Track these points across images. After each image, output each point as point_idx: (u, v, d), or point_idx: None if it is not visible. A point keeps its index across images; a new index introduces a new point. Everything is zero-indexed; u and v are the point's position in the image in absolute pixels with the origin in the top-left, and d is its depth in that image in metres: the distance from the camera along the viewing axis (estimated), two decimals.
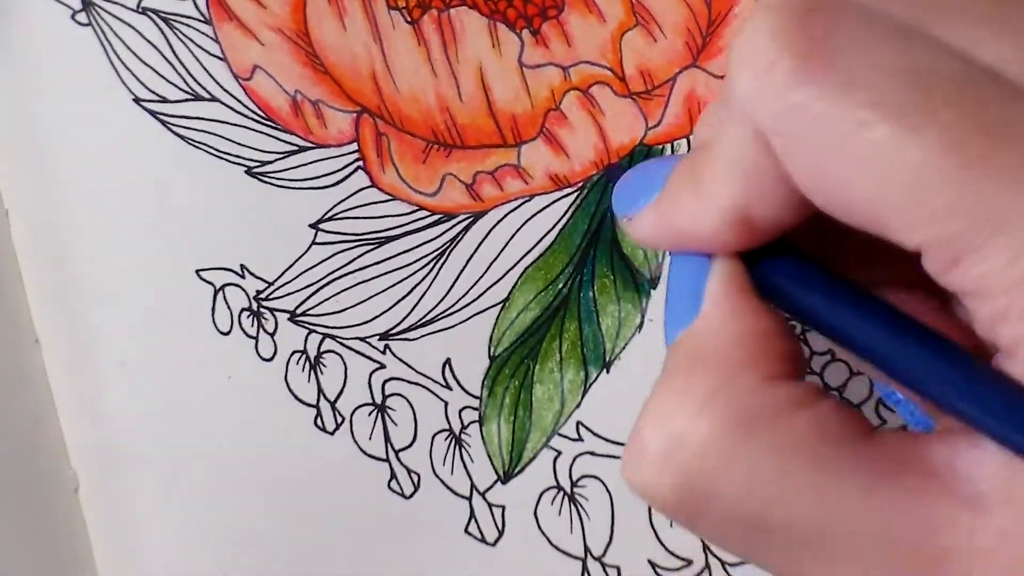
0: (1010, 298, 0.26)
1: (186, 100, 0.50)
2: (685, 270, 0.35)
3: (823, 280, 0.33)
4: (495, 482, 0.50)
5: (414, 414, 0.50)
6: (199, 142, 0.50)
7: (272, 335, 0.50)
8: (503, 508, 0.50)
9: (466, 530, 0.51)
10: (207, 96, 0.50)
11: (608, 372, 0.50)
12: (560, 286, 0.49)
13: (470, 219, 0.50)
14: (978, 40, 0.29)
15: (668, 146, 0.49)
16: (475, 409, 0.50)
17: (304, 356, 0.50)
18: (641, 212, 0.36)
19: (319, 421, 0.50)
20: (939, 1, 0.30)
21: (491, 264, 0.50)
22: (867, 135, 0.27)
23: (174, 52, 0.50)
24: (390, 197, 0.50)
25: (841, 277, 0.33)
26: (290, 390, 0.51)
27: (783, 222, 0.32)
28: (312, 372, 0.50)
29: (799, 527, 0.30)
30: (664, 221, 0.35)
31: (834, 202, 0.29)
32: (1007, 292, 0.26)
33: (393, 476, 0.50)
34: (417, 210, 0.50)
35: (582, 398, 0.50)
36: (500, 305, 0.50)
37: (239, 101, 0.50)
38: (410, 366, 0.50)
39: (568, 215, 0.49)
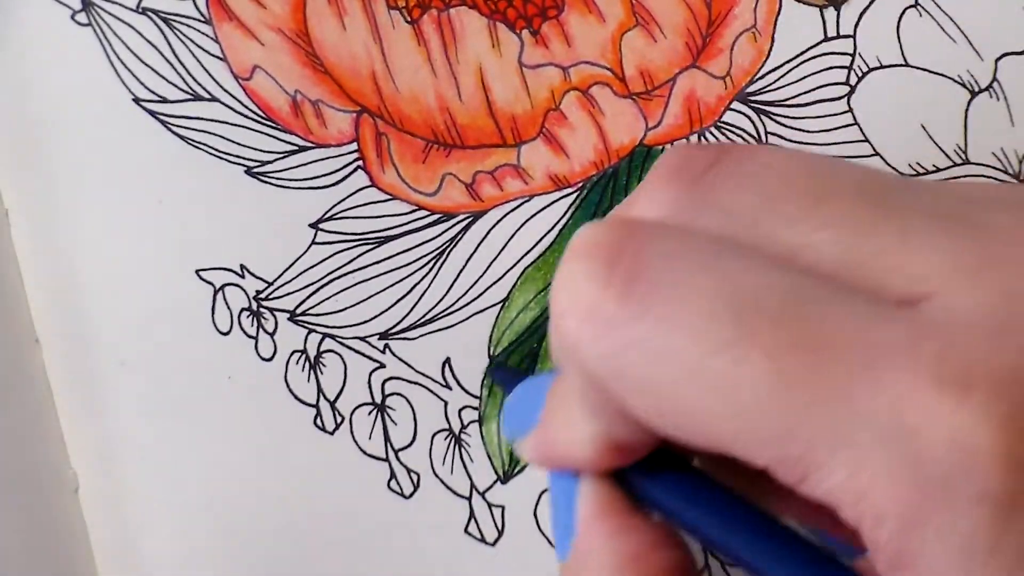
0: (858, 510, 0.26)
1: (186, 100, 0.50)
2: (561, 490, 0.35)
3: (694, 486, 0.33)
4: (495, 482, 0.51)
5: (414, 414, 0.51)
6: (199, 142, 0.50)
7: (272, 335, 0.51)
8: (503, 508, 0.51)
9: (466, 530, 0.51)
10: (207, 96, 0.50)
11: None
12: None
13: (470, 219, 0.50)
14: (794, 242, 0.29)
15: (668, 146, 0.49)
16: (475, 409, 0.50)
17: (304, 356, 0.51)
18: (525, 438, 0.36)
19: (319, 421, 0.51)
20: (750, 210, 0.30)
21: (491, 264, 0.50)
22: (695, 368, 0.27)
23: (174, 52, 0.50)
24: (390, 197, 0.50)
25: (721, 474, 0.33)
26: (290, 390, 0.51)
27: (651, 440, 0.32)
28: (312, 372, 0.51)
29: None
30: (544, 447, 0.35)
31: (676, 432, 0.29)
32: (855, 504, 0.26)
33: (393, 476, 0.51)
34: (417, 210, 0.50)
35: None
36: (500, 305, 0.50)
37: (239, 101, 0.50)
38: (410, 366, 0.50)
39: (568, 215, 0.50)
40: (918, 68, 0.48)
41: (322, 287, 0.51)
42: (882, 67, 0.48)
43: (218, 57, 0.50)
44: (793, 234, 0.29)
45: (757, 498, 0.32)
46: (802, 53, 0.49)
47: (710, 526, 0.32)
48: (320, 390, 0.51)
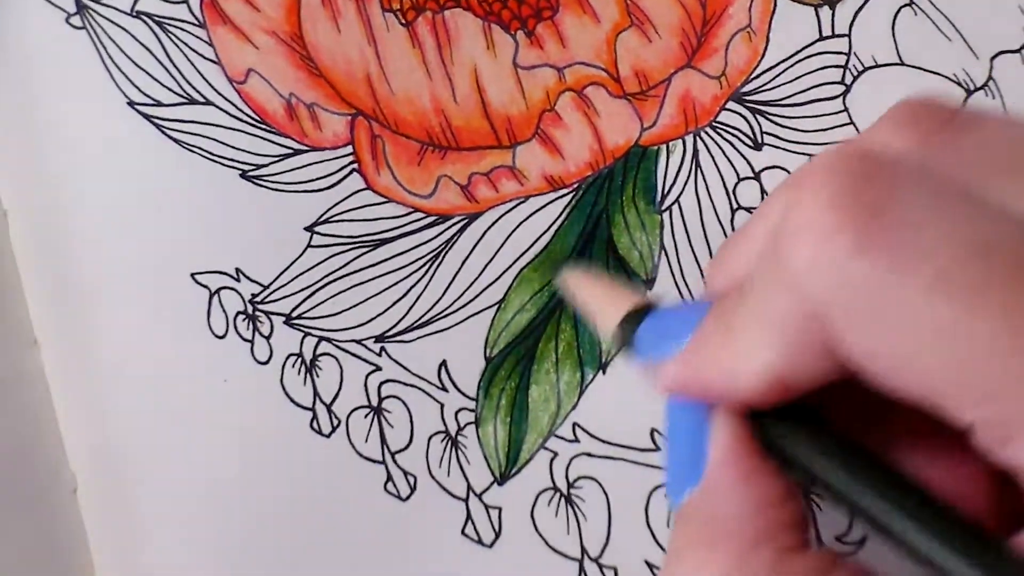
0: None
1: (181, 104, 0.50)
2: (684, 421, 0.34)
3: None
4: (491, 484, 0.51)
5: (410, 416, 0.51)
6: (194, 146, 0.50)
7: (268, 338, 0.51)
8: (499, 510, 0.51)
9: (463, 532, 0.51)
10: (202, 100, 0.50)
11: (604, 373, 0.50)
12: (556, 287, 0.50)
13: (465, 221, 0.50)
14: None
15: (663, 146, 0.49)
16: (471, 411, 0.51)
17: (300, 359, 0.51)
18: (667, 361, 0.35)
19: (315, 424, 0.51)
20: (998, 163, 0.30)
21: (487, 266, 0.50)
22: (928, 311, 0.27)
23: (168, 56, 0.50)
24: (385, 199, 0.50)
25: (844, 430, 0.33)
26: (286, 393, 0.51)
27: (818, 383, 0.31)
28: (308, 375, 0.51)
29: None
30: (693, 373, 0.34)
31: (887, 376, 0.29)
32: None
33: (389, 478, 0.51)
34: (412, 212, 0.50)
35: (578, 399, 0.50)
36: (496, 307, 0.50)
37: (234, 105, 0.50)
38: (406, 368, 0.51)
39: (563, 216, 0.50)
40: (913, 67, 0.48)
41: (318, 290, 0.51)
42: (877, 66, 0.49)
43: (212, 61, 0.50)
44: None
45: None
46: (797, 52, 0.49)
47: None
48: (316, 393, 0.51)
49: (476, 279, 0.50)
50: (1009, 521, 0.30)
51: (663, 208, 0.50)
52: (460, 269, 0.50)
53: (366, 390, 0.51)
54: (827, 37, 0.49)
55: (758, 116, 0.49)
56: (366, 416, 0.51)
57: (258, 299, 0.51)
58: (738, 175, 0.49)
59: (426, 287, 0.50)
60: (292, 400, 0.51)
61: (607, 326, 0.39)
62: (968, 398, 0.27)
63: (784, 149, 0.49)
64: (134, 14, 0.50)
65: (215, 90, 0.50)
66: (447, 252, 0.50)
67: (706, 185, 0.49)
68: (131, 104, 0.51)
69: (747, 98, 0.49)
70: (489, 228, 0.50)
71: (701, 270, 0.49)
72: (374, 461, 0.51)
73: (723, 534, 0.32)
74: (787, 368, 0.31)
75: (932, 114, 0.32)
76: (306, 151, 0.50)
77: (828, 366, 0.30)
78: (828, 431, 0.33)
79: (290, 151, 0.50)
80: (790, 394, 0.32)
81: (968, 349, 0.26)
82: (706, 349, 0.34)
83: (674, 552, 0.33)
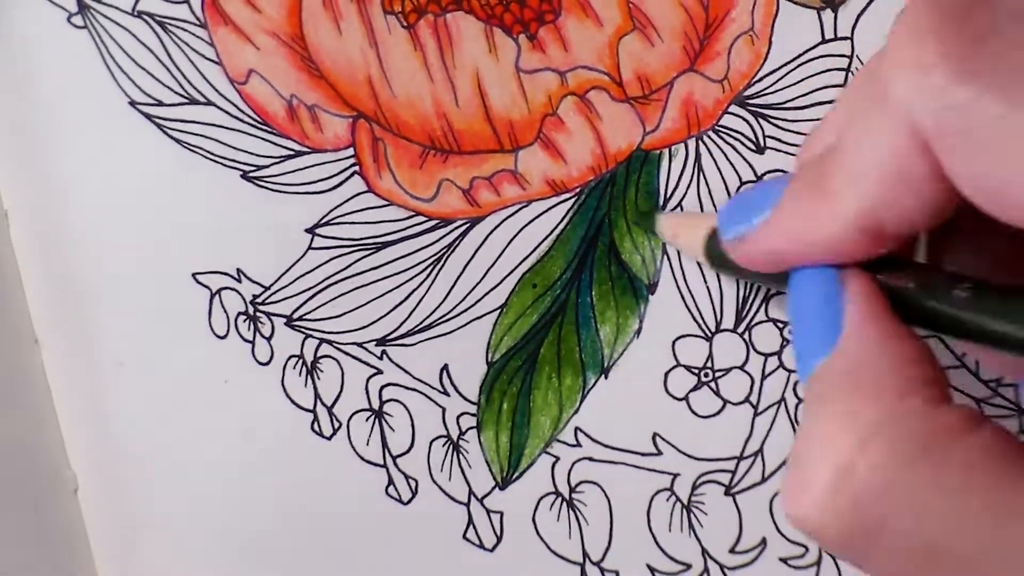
0: None
1: (182, 104, 0.51)
2: (812, 292, 0.35)
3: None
4: (493, 488, 0.52)
5: (411, 420, 0.52)
6: (195, 146, 0.51)
7: (268, 340, 0.52)
8: (501, 514, 0.52)
9: (464, 536, 0.52)
10: (203, 100, 0.51)
11: (606, 378, 0.51)
12: (558, 292, 0.51)
13: (467, 225, 0.51)
14: None
15: (666, 150, 0.50)
16: (473, 415, 0.52)
17: (301, 361, 0.52)
18: (755, 228, 0.36)
19: (316, 426, 0.52)
20: None
21: (488, 270, 0.51)
22: None
23: (169, 56, 0.51)
24: (387, 202, 0.51)
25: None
26: (287, 395, 0.52)
27: (914, 227, 0.32)
28: (309, 377, 0.52)
29: (977, 554, 0.30)
30: (783, 233, 0.35)
31: (996, 201, 0.29)
32: None
33: (391, 482, 0.52)
34: (414, 215, 0.51)
35: (580, 404, 0.52)
36: (498, 311, 0.51)
37: (235, 105, 0.51)
38: (407, 372, 0.52)
39: (566, 221, 0.51)
40: None
41: (319, 292, 0.52)
42: None
43: (214, 61, 0.51)
44: None
45: None
46: (800, 56, 0.49)
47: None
48: (317, 395, 0.52)
49: (478, 283, 0.51)
50: None
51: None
52: (462, 273, 0.51)
53: (367, 393, 0.52)
54: (830, 40, 0.49)
55: (760, 120, 0.50)
56: (367, 419, 0.52)
57: (259, 300, 0.52)
58: (740, 179, 0.50)
59: (428, 291, 0.52)
60: (293, 402, 0.53)
61: (695, 246, 0.40)
62: None
63: (787, 153, 0.50)
64: (135, 14, 0.51)
65: (216, 91, 0.51)
66: (449, 256, 0.51)
67: (708, 189, 0.50)
68: (132, 104, 0.52)
69: (749, 102, 0.50)
70: (491, 232, 0.51)
71: (702, 270, 0.50)
72: (375, 464, 0.53)
73: (868, 387, 0.32)
74: (884, 203, 0.32)
75: None
76: (307, 153, 0.51)
77: (930, 201, 0.31)
78: (942, 275, 0.33)
79: (291, 152, 0.51)
80: (885, 240, 0.33)
81: None
82: (795, 206, 0.35)
83: (811, 413, 0.33)
